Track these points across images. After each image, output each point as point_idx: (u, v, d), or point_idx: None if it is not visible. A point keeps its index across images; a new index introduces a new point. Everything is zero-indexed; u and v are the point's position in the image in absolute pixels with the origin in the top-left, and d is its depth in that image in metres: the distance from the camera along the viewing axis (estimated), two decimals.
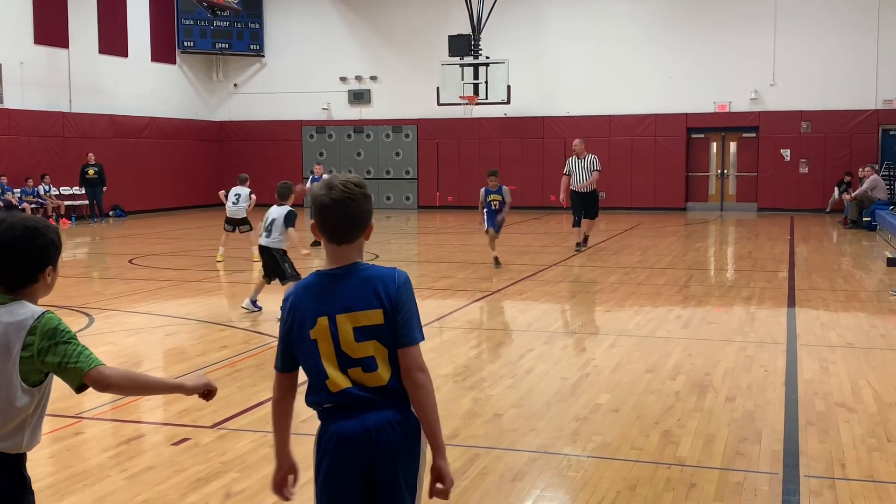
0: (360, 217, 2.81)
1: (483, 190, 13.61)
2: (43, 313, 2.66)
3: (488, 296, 11.19)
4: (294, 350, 2.87)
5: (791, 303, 10.49)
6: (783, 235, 18.81)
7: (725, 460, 5.09)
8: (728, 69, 25.52)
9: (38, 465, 5.04)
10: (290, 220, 9.73)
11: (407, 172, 28.84)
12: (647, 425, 5.76)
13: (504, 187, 13.63)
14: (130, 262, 14.91)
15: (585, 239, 15.98)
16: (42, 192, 22.80)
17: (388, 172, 28.89)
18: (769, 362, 7.50)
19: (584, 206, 15.77)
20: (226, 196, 14.85)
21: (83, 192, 23.96)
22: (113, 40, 25.97)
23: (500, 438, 5.52)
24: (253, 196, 14.89)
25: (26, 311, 2.66)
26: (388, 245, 18.32)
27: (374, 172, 28.96)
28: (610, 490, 4.65)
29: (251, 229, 14.63)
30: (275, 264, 9.63)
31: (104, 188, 23.94)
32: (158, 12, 27.76)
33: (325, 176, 17.35)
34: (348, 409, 2.82)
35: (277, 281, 9.64)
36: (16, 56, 22.80)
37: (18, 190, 22.19)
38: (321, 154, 29.31)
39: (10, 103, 22.67)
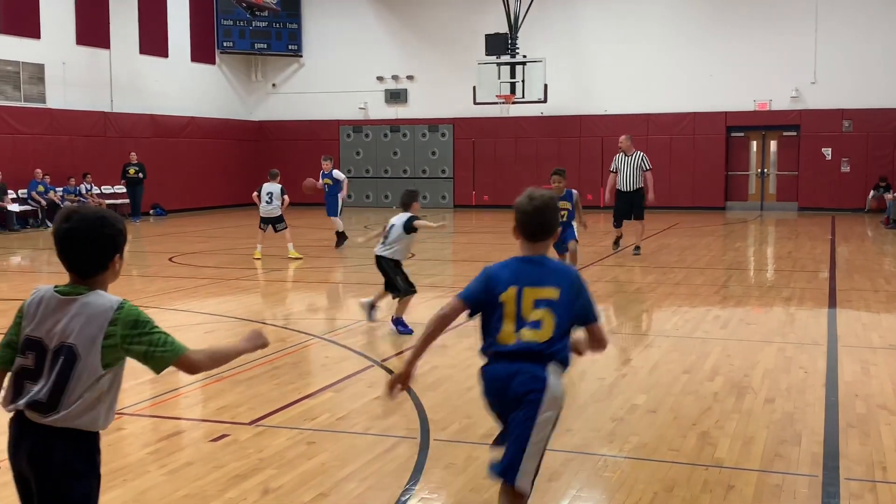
0: (551, 223, 3.83)
1: None
2: (122, 303, 2.89)
3: None
4: (481, 306, 3.71)
5: (832, 303, 10.36)
6: (824, 235, 18.57)
7: (764, 462, 5.04)
8: (768, 67, 25.24)
9: None
10: (409, 227, 8.71)
11: (443, 171, 28.86)
12: (684, 426, 5.72)
13: (573, 192, 11.50)
14: (170, 260, 15.08)
15: (617, 240, 15.47)
16: (83, 191, 23.14)
17: (423, 171, 28.93)
18: (809, 364, 7.41)
19: (630, 206, 15.15)
20: (258, 196, 14.89)
21: (124, 190, 24.29)
22: (153, 41, 26.29)
23: None
24: (286, 196, 14.89)
25: (105, 301, 2.90)
26: (424, 244, 18.34)
27: (410, 171, 29.03)
28: (646, 491, 4.62)
29: (286, 227, 14.72)
30: (387, 277, 8.82)
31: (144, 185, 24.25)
32: (198, 13, 28.05)
33: (334, 172, 16.87)
34: (508, 357, 3.60)
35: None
36: (58, 57, 23.17)
37: (61, 189, 22.53)
38: (358, 154, 29.42)
39: (53, 103, 23.03)
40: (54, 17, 23.11)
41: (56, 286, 3.01)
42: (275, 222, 14.75)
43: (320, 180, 16.91)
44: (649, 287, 11.82)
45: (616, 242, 15.55)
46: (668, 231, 19.78)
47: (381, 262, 8.82)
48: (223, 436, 5.54)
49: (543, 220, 3.79)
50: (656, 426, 5.73)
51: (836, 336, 8.52)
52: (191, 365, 2.96)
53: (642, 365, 7.47)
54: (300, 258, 14.65)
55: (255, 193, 15.22)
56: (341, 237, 16.68)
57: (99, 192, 23.72)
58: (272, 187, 14.84)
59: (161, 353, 2.89)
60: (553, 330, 3.57)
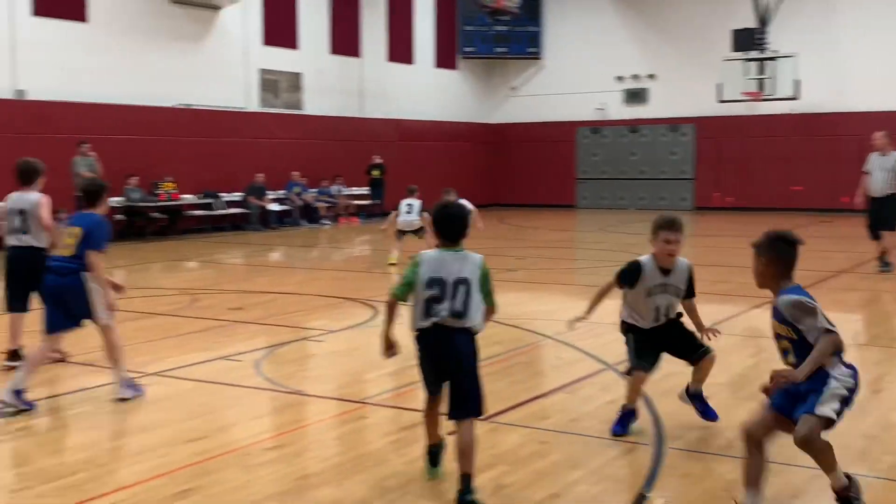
0: None
1: None
2: (482, 259, 4.64)
3: (769, 302, 10.66)
4: None
5: None
6: None
7: None
8: None
9: (326, 446, 5.45)
10: None
11: (683, 172, 28.09)
12: None
13: None
14: (409, 258, 15.65)
15: (882, 257, 13.09)
16: (335, 192, 24.52)
17: (663, 172, 28.30)
18: None
19: (878, 214, 13.18)
20: (397, 210, 14.85)
21: (369, 191, 25.53)
22: (400, 48, 27.48)
23: (778, 452, 5.24)
24: (425, 213, 14.24)
25: (475, 255, 4.64)
26: None
27: (648, 173, 28.49)
28: None
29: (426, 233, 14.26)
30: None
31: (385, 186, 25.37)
32: (442, 20, 28.99)
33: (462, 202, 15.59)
34: None
35: None
36: (314, 66, 24.74)
37: (315, 190, 24.02)
38: (595, 155, 29.24)
39: (309, 109, 24.61)
40: (312, 30, 24.69)
41: (438, 249, 4.63)
42: (416, 232, 14.63)
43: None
44: None
45: (881, 260, 13.11)
46: None
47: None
48: None
49: None
50: None
51: None
52: (492, 314, 4.73)
53: None
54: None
55: (393, 213, 15.13)
56: None
57: (349, 193, 25.05)
58: (413, 201, 14.82)
59: (491, 296, 4.65)
60: None
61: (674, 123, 28.00)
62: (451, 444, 4.74)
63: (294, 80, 24.39)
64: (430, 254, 4.58)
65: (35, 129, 18.30)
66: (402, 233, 14.80)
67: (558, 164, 29.51)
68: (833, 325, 4.12)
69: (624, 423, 5.56)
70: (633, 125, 28.65)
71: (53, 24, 19.01)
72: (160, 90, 20.82)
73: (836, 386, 4.12)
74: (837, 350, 4.16)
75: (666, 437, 5.52)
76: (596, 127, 29.21)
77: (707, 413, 5.71)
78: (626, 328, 5.69)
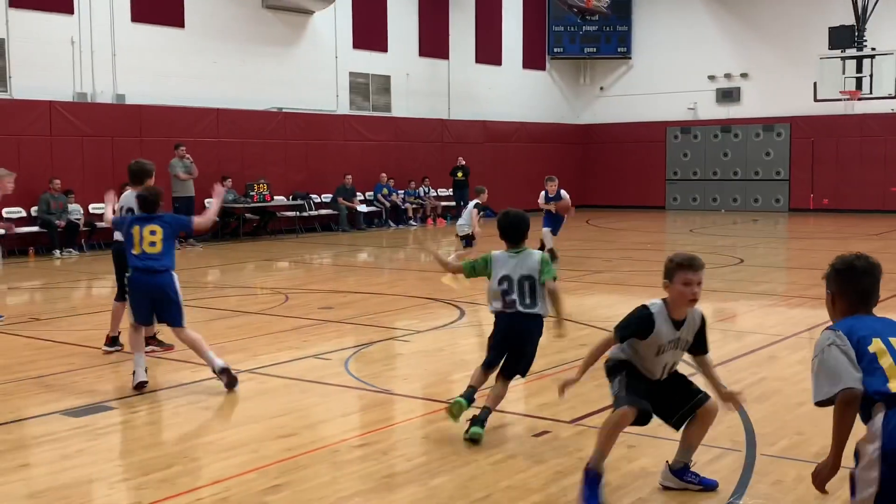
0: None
1: None
2: (542, 255, 5.64)
3: None
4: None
5: None
6: None
7: None
8: None
9: (412, 445, 5.50)
10: None
11: (777, 173, 27.40)
12: None
13: None
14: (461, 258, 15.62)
15: None
16: (422, 194, 24.69)
17: (756, 173, 27.68)
18: None
19: None
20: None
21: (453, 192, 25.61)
22: (488, 50, 27.51)
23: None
24: (474, 213, 13.46)
25: (536, 253, 5.65)
26: (755, 249, 17.54)
27: (741, 173, 27.90)
28: None
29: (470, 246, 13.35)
30: None
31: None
32: (531, 21, 28.92)
33: (562, 193, 14.86)
34: None
35: None
36: (403, 68, 24.96)
37: (402, 192, 24.22)
38: (685, 155, 28.76)
39: (397, 112, 24.83)
40: (400, 33, 24.92)
41: (505, 252, 5.67)
42: (464, 237, 13.50)
43: (542, 203, 15.03)
44: None
45: None
46: None
47: None
48: (544, 432, 5.68)
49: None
50: None
51: None
52: (554, 283, 5.61)
53: None
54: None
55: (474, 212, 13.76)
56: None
57: (436, 194, 25.17)
58: (471, 203, 13.79)
59: (551, 271, 5.56)
60: None
61: (768, 123, 27.35)
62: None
63: (383, 82, 24.64)
64: (497, 254, 5.66)
65: (133, 132, 18.94)
66: (459, 239, 13.65)
67: (648, 165, 29.12)
68: (849, 382, 3.20)
69: (594, 490, 4.40)
70: (726, 125, 28.07)
71: (151, 30, 19.63)
72: (253, 94, 21.31)
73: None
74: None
75: (758, 442, 5.40)
76: (686, 127, 28.72)
77: (706, 482, 4.68)
78: (617, 365, 4.67)
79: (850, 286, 3.48)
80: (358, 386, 6.96)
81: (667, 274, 4.51)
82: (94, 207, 17.78)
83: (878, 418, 3.17)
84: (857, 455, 3.27)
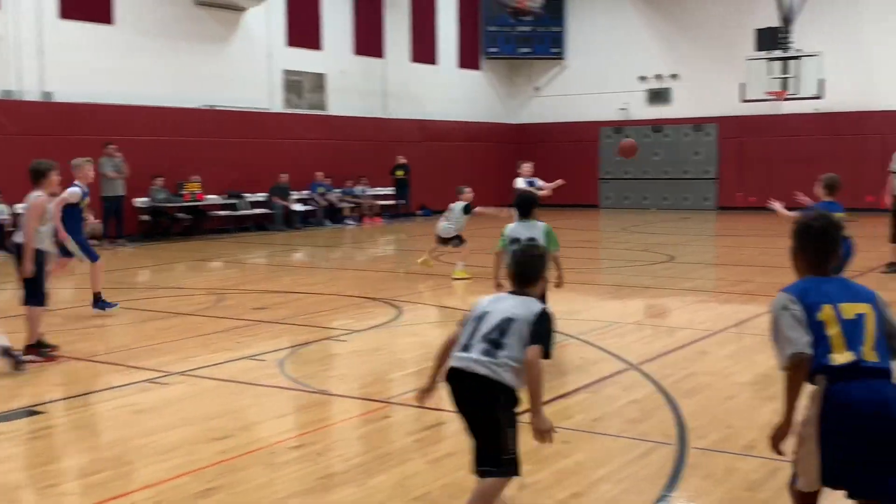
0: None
1: None
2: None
3: None
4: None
5: None
6: None
7: None
8: None
9: (349, 445, 5.48)
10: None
11: (706, 172, 27.95)
12: None
13: None
14: (435, 258, 15.67)
15: (892, 265, 13.08)
16: (358, 193, 24.60)
17: (685, 172, 28.18)
18: None
19: None
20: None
21: (394, 191, 25.60)
22: (423, 49, 27.53)
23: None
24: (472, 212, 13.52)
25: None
26: (686, 247, 17.88)
27: (671, 173, 28.38)
28: None
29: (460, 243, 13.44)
30: None
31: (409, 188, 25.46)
32: (465, 21, 29.02)
33: (537, 182, 14.26)
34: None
35: None
36: (338, 66, 24.84)
37: (339, 190, 24.10)
38: (617, 155, 29.13)
39: (333, 110, 24.71)
40: (335, 31, 24.78)
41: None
42: (450, 240, 13.45)
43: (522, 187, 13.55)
44: None
45: (891, 267, 13.07)
46: None
47: None
48: None
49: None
50: None
51: None
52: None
53: None
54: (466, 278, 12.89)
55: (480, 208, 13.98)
56: None
57: (373, 193, 25.10)
58: (454, 204, 13.64)
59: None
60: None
61: (697, 123, 27.87)
62: None
63: (318, 80, 24.49)
64: (511, 226, 7.00)
65: (62, 130, 18.49)
66: (441, 240, 13.52)
67: (582, 165, 29.43)
68: (799, 347, 3.35)
69: None
70: (657, 125, 28.54)
71: (80, 27, 19.19)
72: (185, 91, 20.98)
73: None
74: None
75: (688, 436, 5.51)
76: (619, 127, 29.12)
77: None
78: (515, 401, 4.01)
79: (809, 245, 3.55)
80: (293, 387, 6.91)
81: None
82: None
83: (818, 390, 3.35)
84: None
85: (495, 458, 3.92)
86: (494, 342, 3.91)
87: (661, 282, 12.47)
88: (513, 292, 4.18)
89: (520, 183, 14.07)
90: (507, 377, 3.87)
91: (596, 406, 6.33)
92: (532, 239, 6.55)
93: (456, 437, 5.63)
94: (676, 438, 5.48)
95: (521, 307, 4.02)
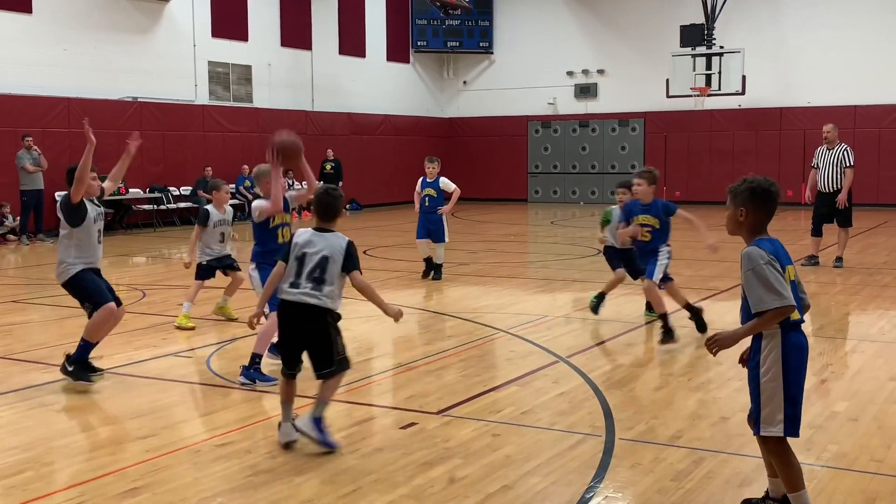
0: None
1: None
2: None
3: (716, 294, 10.83)
4: None
5: None
6: None
7: None
8: None
9: (277, 443, 5.41)
10: None
11: (633, 167, 28.31)
12: (889, 437, 5.38)
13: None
14: (365, 252, 15.62)
15: (812, 258, 13.31)
16: (287, 186, 24.32)
17: (612, 167, 28.56)
18: None
19: (832, 210, 13.08)
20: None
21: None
22: (352, 42, 27.34)
23: (726, 442, 5.35)
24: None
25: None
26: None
27: (598, 167, 28.75)
28: (846, 503, 4.39)
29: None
30: None
31: (340, 183, 25.28)
32: (394, 14, 28.91)
33: (441, 181, 12.09)
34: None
35: None
36: (264, 59, 24.51)
37: None
38: (546, 149, 29.40)
39: (259, 103, 24.38)
40: (262, 22, 24.44)
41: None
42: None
43: (420, 189, 12.49)
44: (853, 289, 11.17)
45: (810, 259, 13.29)
46: (876, 230, 18.59)
47: None
48: (411, 424, 5.70)
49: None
50: (858, 435, 5.42)
51: None
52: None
53: (844, 371, 7.08)
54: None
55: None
56: (435, 267, 12.34)
57: (300, 186, 24.87)
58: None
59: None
60: None
61: (623, 118, 28.26)
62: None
63: (244, 72, 24.13)
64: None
65: None
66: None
67: (511, 159, 29.63)
68: (785, 298, 3.85)
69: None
70: (584, 119, 28.86)
71: None
72: (107, 83, 20.48)
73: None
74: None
75: (616, 427, 5.58)
76: (547, 121, 29.38)
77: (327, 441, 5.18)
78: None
79: (766, 207, 4.06)
80: (220, 384, 6.81)
81: None
82: None
83: (776, 337, 3.97)
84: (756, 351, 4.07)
85: (330, 359, 5.14)
86: (318, 279, 5.12)
87: (589, 275, 12.61)
88: (318, 229, 5.27)
89: (420, 185, 12.43)
90: (330, 302, 5.15)
91: (525, 399, 6.38)
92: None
93: (384, 433, 5.62)
94: (605, 430, 5.55)
95: (331, 246, 5.19)
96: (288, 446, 5.21)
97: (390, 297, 10.95)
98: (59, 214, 6.74)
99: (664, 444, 5.29)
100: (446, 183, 12.39)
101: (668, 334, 7.91)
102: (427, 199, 12.33)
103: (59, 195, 18.94)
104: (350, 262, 5.17)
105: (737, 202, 4.08)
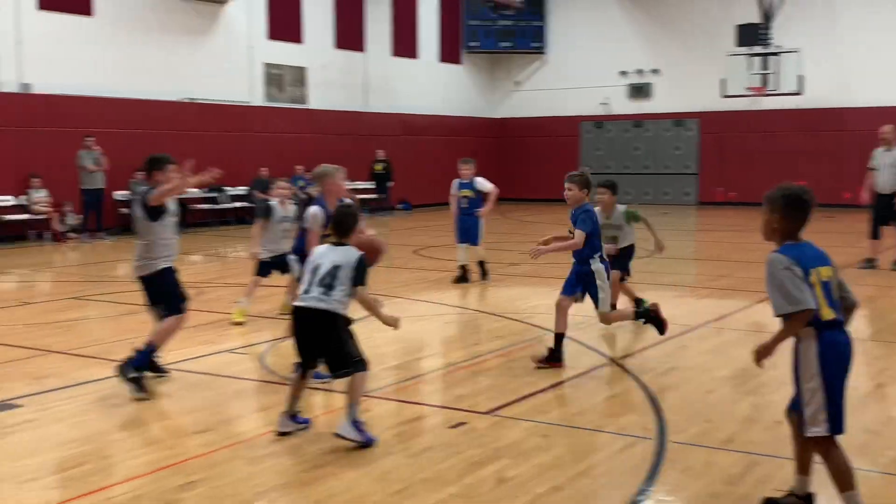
0: None
1: None
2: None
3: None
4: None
5: None
6: None
7: None
8: None
9: (329, 438, 5.48)
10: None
11: (687, 167, 28.09)
12: None
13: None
14: (415, 252, 15.69)
15: (870, 261, 13.03)
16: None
17: (666, 167, 28.30)
18: None
19: (889, 212, 12.81)
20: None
21: (373, 186, 25.55)
22: (404, 43, 27.48)
23: (781, 447, 5.28)
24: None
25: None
26: (666, 242, 17.90)
27: (651, 167, 28.50)
28: None
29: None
30: None
31: (391, 183, 25.43)
32: (446, 15, 28.99)
33: (477, 181, 12.22)
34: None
35: None
36: (319, 60, 24.75)
37: None
38: (598, 149, 29.23)
39: (314, 104, 24.62)
40: (316, 25, 24.70)
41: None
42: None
43: (456, 191, 12.51)
44: None
45: (868, 262, 13.01)
46: None
47: None
48: (461, 423, 5.73)
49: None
50: None
51: None
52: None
53: None
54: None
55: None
56: (480, 266, 12.39)
57: (351, 187, 25.02)
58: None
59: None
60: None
61: (678, 118, 27.99)
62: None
63: (298, 74, 24.40)
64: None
65: (41, 122, 18.36)
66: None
67: (562, 159, 29.41)
68: (801, 303, 3.88)
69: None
70: (637, 120, 28.63)
71: (59, 18, 19.03)
72: (165, 84, 20.86)
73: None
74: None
75: (668, 430, 5.55)
76: (600, 122, 29.20)
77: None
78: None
79: (799, 215, 4.10)
80: (274, 380, 6.91)
81: None
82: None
83: (810, 338, 4.00)
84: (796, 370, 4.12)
85: (344, 361, 5.36)
86: (328, 285, 5.33)
87: (641, 276, 12.51)
88: (334, 243, 5.48)
89: (455, 187, 12.40)
90: (339, 307, 5.35)
91: (576, 400, 6.36)
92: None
93: (434, 432, 5.65)
94: (656, 433, 5.51)
95: (344, 257, 5.39)
96: (282, 435, 5.43)
97: (440, 296, 11.02)
98: (137, 209, 6.81)
99: (717, 447, 5.24)
100: (482, 183, 12.21)
101: (649, 321, 7.83)
102: (465, 200, 12.23)
103: (118, 195, 19.34)
104: (358, 276, 5.37)
105: (771, 209, 4.17)
